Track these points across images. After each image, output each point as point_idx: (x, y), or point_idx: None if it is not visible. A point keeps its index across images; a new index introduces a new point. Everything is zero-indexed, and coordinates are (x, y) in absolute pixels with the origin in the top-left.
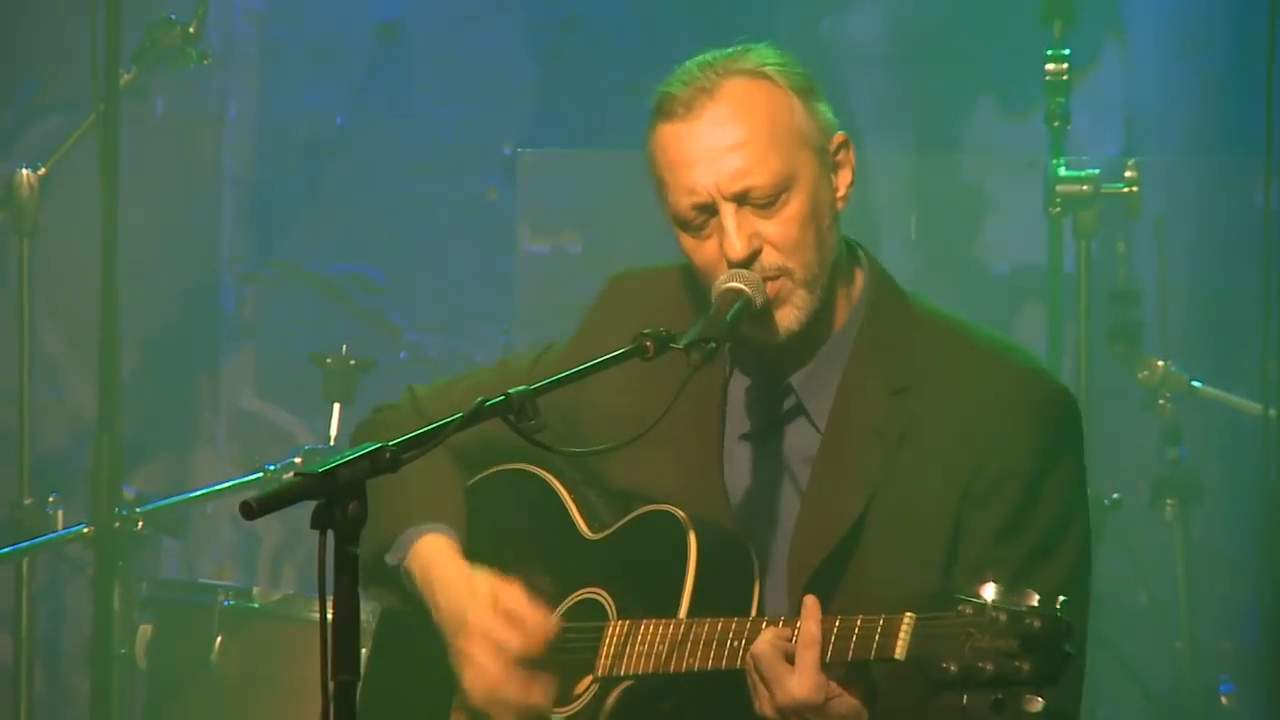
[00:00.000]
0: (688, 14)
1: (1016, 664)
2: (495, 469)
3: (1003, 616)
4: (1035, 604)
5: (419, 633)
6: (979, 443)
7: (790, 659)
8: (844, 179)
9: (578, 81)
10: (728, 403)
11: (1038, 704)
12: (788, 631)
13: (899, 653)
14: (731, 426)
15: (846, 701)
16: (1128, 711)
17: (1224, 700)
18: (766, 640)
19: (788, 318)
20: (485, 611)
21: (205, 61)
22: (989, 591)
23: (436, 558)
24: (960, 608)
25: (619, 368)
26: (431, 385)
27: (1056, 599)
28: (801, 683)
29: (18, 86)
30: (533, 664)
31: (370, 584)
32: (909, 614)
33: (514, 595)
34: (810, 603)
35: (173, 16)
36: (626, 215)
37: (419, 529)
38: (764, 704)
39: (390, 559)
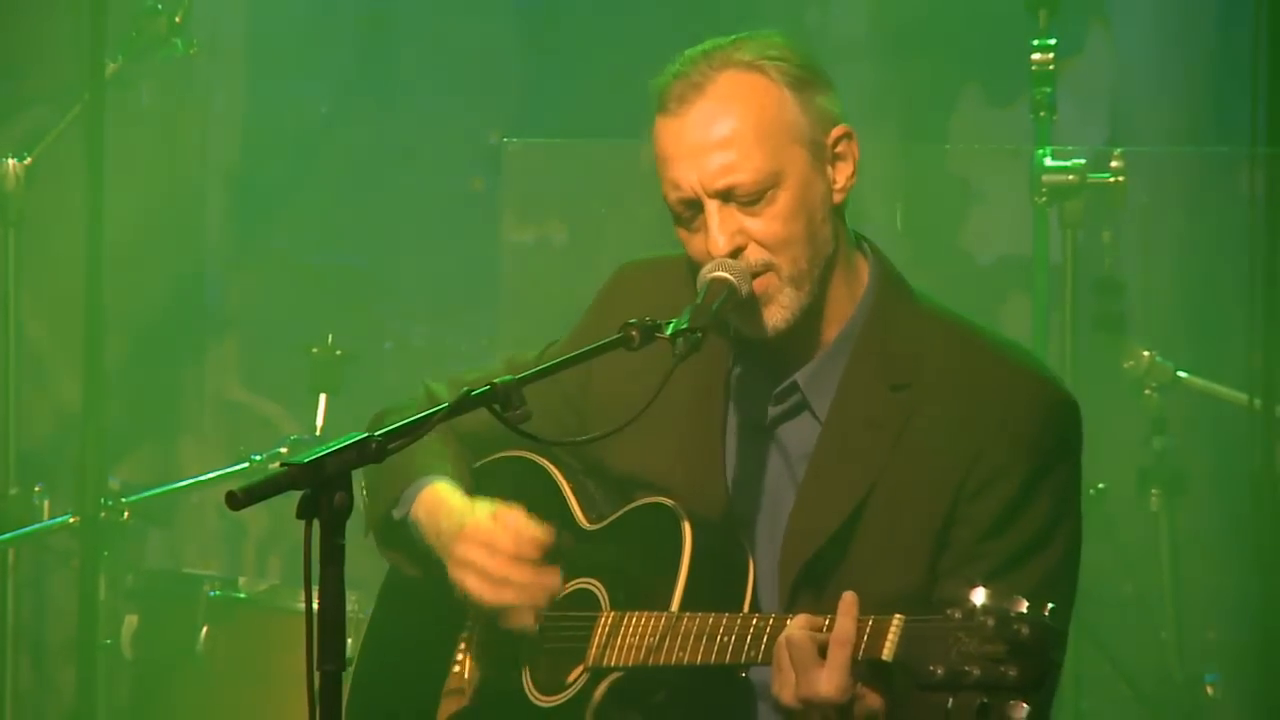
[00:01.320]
0: (675, 4)
1: (1003, 669)
2: (497, 455)
3: (990, 621)
4: (1024, 610)
5: (418, 605)
6: (976, 440)
7: (822, 652)
8: (843, 172)
9: (564, 71)
10: (732, 395)
11: (1023, 710)
12: (820, 622)
13: (886, 654)
14: (735, 419)
15: (867, 705)
16: (1113, 702)
17: (1209, 690)
18: (802, 628)
19: (774, 316)
20: (482, 519)
21: (191, 51)
22: (978, 596)
23: (443, 495)
24: (949, 611)
25: (623, 353)
26: (446, 379)
27: (1045, 605)
28: (830, 679)
29: (2, 76)
30: (533, 561)
31: (383, 546)
32: (898, 616)
33: (513, 512)
34: (849, 599)
35: (159, 6)
36: (612, 205)
37: (424, 479)
38: (785, 690)
39: (397, 513)
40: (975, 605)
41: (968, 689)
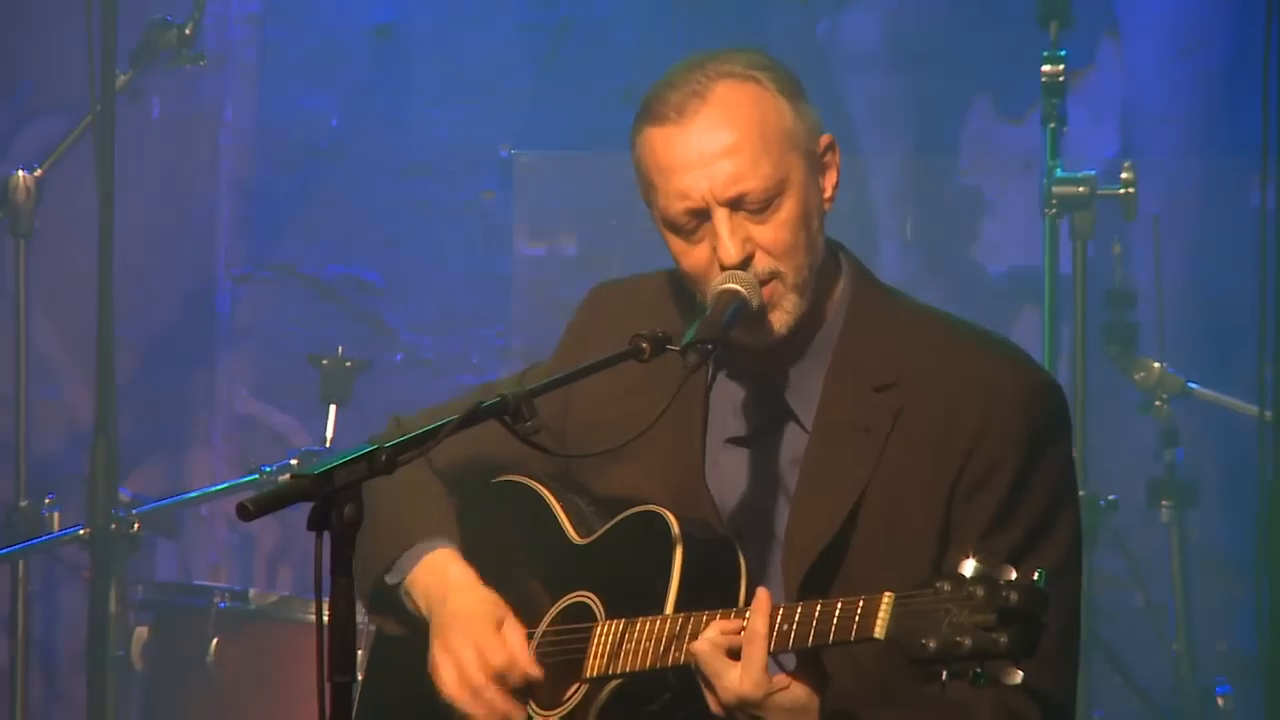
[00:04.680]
0: (684, 16)
1: (994, 636)
2: (486, 483)
3: (980, 591)
4: (1013, 577)
5: (410, 663)
6: (965, 435)
7: (734, 654)
8: (830, 180)
9: (574, 83)
10: (712, 407)
11: (1017, 676)
12: (736, 624)
13: (878, 632)
14: (717, 430)
15: (792, 694)
16: (1124, 713)
17: (1220, 702)
18: (707, 637)
19: (778, 321)
20: (488, 625)
21: (201, 63)
22: (967, 567)
23: (450, 567)
24: (939, 584)
25: (603, 378)
26: (417, 413)
27: (1034, 571)
28: (744, 678)
29: (14, 87)
30: (509, 687)
31: (374, 610)
32: (888, 593)
33: (516, 631)
34: (761, 595)
35: (169, 18)
36: (622, 217)
37: (423, 546)
38: (711, 702)
39: (391, 579)
40: (964, 576)
41: (960, 659)
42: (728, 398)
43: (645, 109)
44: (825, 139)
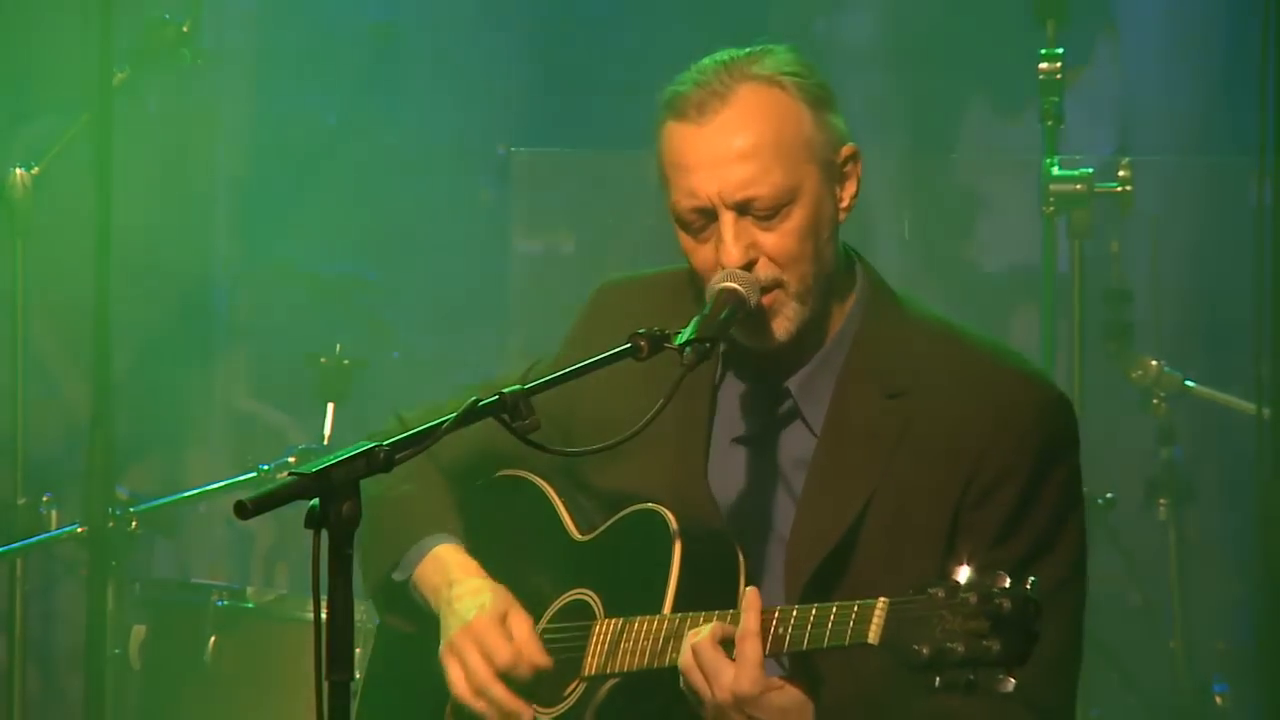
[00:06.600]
0: (682, 14)
1: (986, 644)
2: (488, 479)
3: (973, 598)
4: (1006, 585)
5: (415, 659)
6: (975, 447)
7: (730, 651)
8: (848, 190)
9: (571, 81)
10: (719, 406)
11: (1009, 684)
12: (731, 630)
13: (873, 637)
14: (723, 429)
15: (788, 694)
16: (1121, 711)
17: (1218, 700)
18: (704, 636)
19: (780, 328)
20: (490, 622)
21: (199, 61)
22: (962, 574)
23: (455, 562)
24: (933, 590)
25: (610, 373)
26: (419, 408)
27: (1027, 580)
28: (740, 675)
29: (11, 86)
30: (517, 682)
31: (384, 609)
32: (882, 599)
33: (521, 622)
34: (751, 595)
35: (167, 16)
36: (620, 215)
37: (428, 541)
38: (707, 700)
39: (398, 575)
40: (958, 583)
41: (953, 666)
42: (735, 397)
43: (668, 103)
44: (847, 149)
